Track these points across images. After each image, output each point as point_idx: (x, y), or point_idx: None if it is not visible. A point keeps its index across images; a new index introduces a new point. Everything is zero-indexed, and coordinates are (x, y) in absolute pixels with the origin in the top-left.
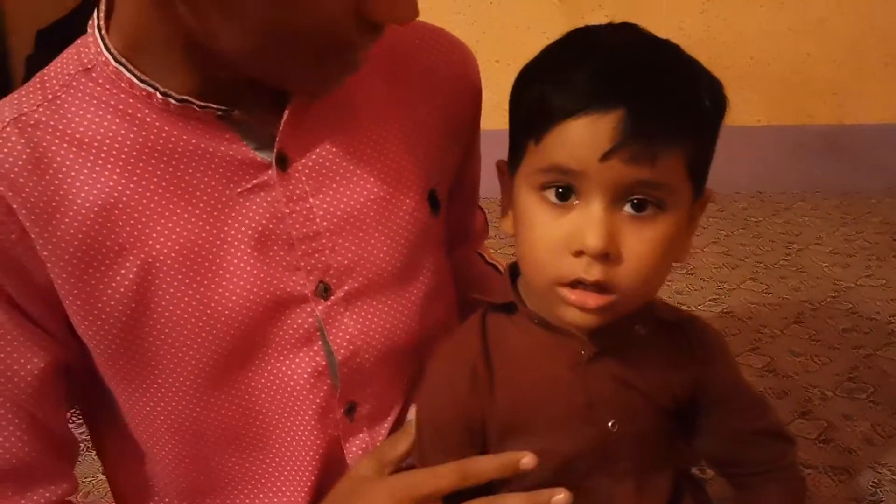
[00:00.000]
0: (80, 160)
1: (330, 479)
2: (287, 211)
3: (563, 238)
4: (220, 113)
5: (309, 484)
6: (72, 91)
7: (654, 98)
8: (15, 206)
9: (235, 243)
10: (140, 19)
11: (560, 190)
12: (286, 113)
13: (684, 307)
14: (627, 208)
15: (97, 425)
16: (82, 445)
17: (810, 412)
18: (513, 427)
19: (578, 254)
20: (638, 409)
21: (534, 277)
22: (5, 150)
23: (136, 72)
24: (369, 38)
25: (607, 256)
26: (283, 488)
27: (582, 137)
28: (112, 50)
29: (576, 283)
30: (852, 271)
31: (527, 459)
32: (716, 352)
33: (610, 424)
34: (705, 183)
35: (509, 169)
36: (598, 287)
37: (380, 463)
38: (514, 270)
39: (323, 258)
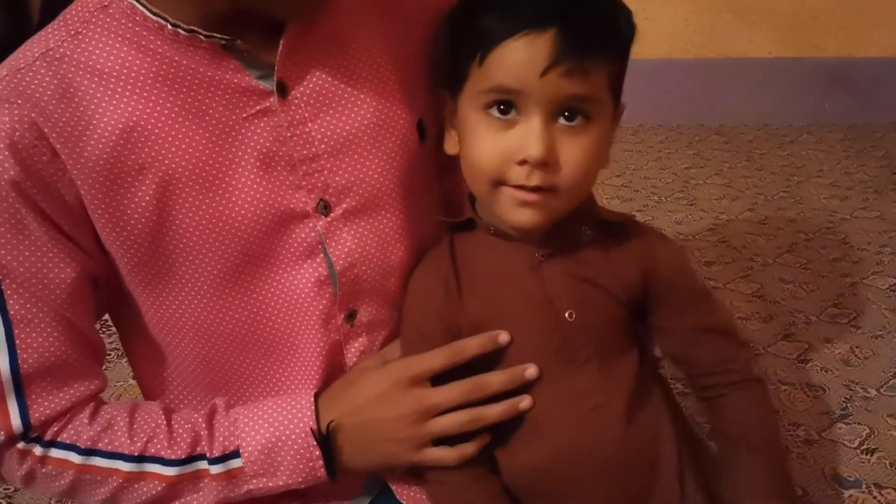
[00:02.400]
0: (102, 89)
1: (332, 379)
2: (288, 135)
3: (506, 150)
4: (223, 42)
5: (313, 383)
6: (91, 27)
7: (583, 19)
8: (46, 130)
9: (243, 163)
10: None
11: (502, 107)
12: (282, 43)
13: (682, 236)
14: (561, 121)
15: (126, 332)
16: (114, 353)
17: (793, 335)
18: (482, 326)
19: (522, 163)
20: (591, 299)
21: (480, 185)
22: (35, 81)
23: (147, 5)
24: None
25: (546, 165)
26: (290, 387)
27: (521, 56)
28: None
29: (517, 187)
30: (849, 203)
31: (503, 336)
32: (654, 245)
33: (567, 315)
34: (620, 96)
35: (450, 95)
36: (538, 190)
37: (382, 360)
38: (472, 200)
39: (322, 178)
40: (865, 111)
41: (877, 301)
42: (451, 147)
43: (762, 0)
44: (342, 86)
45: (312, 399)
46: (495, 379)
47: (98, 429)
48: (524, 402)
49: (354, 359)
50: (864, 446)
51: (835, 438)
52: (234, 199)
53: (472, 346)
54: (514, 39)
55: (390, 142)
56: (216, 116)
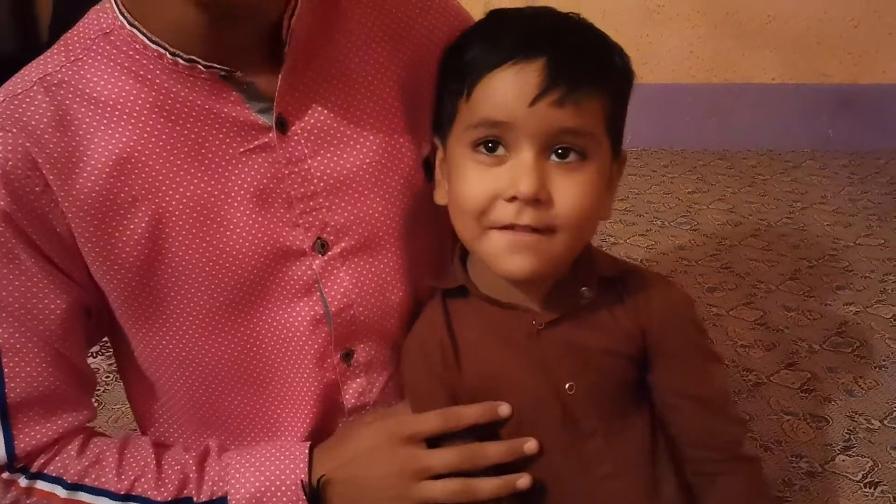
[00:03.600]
0: (98, 118)
1: (328, 420)
2: (286, 172)
3: (495, 187)
4: (223, 73)
5: (307, 423)
6: (92, 54)
7: (573, 49)
8: (40, 160)
9: (239, 199)
10: None
11: (490, 144)
12: (281, 76)
13: (685, 262)
14: (553, 158)
15: (120, 360)
16: (112, 375)
17: (796, 364)
18: (480, 395)
19: (512, 199)
20: (593, 367)
21: (467, 228)
22: (31, 109)
23: (147, 33)
24: None
25: (538, 201)
26: (283, 426)
27: (509, 87)
28: (126, 14)
29: (508, 228)
30: (853, 230)
31: (504, 409)
32: (655, 297)
33: (567, 387)
34: (621, 144)
35: (440, 138)
36: (531, 230)
37: (383, 415)
38: (463, 255)
39: (320, 216)
40: (870, 137)
41: (880, 330)
42: (440, 196)
43: (767, 25)
44: (345, 121)
45: (307, 451)
46: (493, 450)
47: (86, 463)
48: (521, 480)
49: (353, 400)
50: (868, 479)
51: (837, 471)
52: (228, 234)
53: (469, 414)
54: (502, 69)
55: (393, 180)
56: (213, 150)
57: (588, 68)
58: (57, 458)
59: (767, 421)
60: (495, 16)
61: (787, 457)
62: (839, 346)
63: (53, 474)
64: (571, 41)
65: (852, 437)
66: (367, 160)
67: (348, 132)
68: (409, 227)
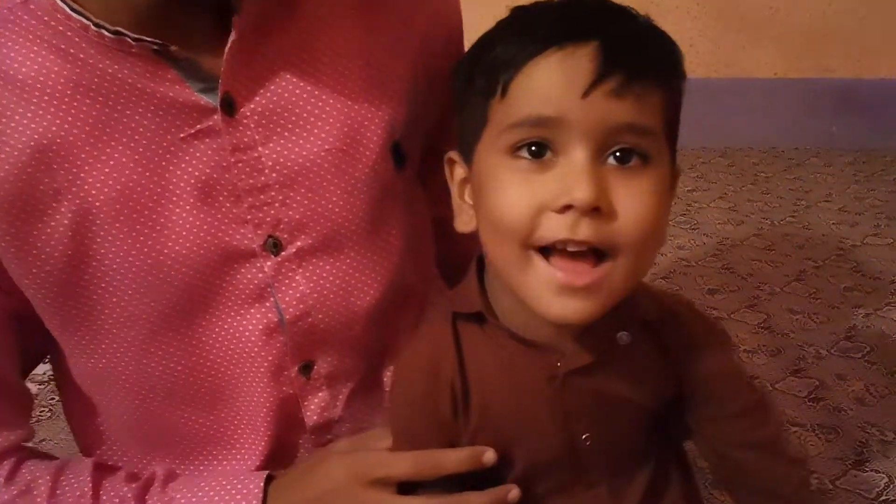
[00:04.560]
0: (15, 100)
1: (287, 438)
2: (233, 160)
3: (542, 198)
4: (155, 47)
5: (264, 442)
6: (9, 26)
7: (629, 31)
8: None
9: (178, 192)
10: None
11: (533, 147)
12: (227, 48)
13: (684, 262)
14: (610, 161)
15: (57, 376)
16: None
17: (803, 370)
18: (482, 437)
19: (564, 210)
20: (615, 417)
21: (506, 253)
22: None
23: (69, 1)
24: None
25: (598, 211)
26: (238, 446)
27: (556, 77)
28: None
29: (558, 250)
30: (860, 230)
31: (489, 455)
32: (697, 341)
33: (584, 437)
34: (676, 153)
35: (463, 154)
36: (589, 252)
37: (352, 447)
38: (481, 272)
39: (272, 212)
40: (876, 134)
41: (892, 334)
42: (463, 223)
43: (769, 19)
44: (302, 103)
45: (262, 485)
46: (474, 501)
47: (14, 492)
48: (512, 493)
49: (315, 416)
50: (883, 497)
51: (850, 487)
52: (166, 233)
53: (450, 461)
54: (546, 57)
55: (357, 170)
56: (147, 136)
57: (648, 53)
58: None
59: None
60: (521, 9)
61: None
62: (848, 352)
63: None
64: (624, 23)
65: (865, 450)
66: (328, 147)
67: (305, 115)
68: (377, 224)
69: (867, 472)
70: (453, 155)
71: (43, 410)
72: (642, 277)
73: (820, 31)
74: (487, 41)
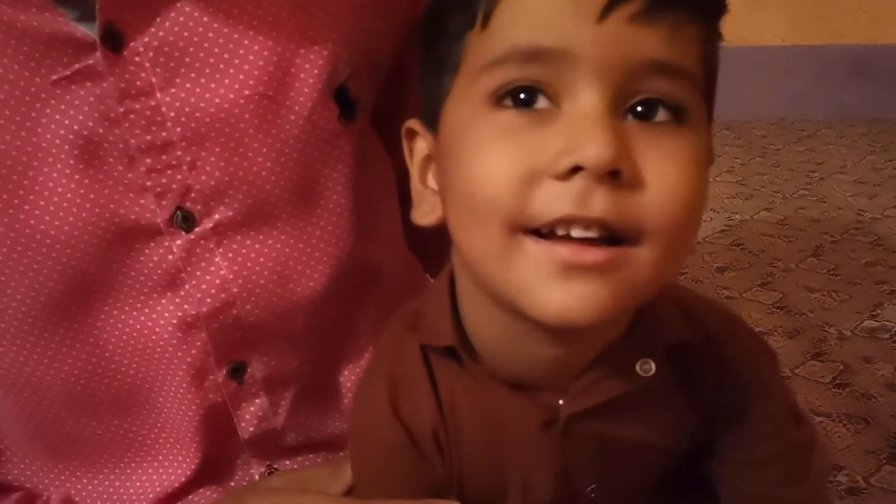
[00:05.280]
0: None
1: (222, 450)
2: (122, 111)
3: (536, 160)
4: None
5: (192, 454)
6: None
7: None
8: None
9: (53, 151)
10: None
11: (522, 95)
12: None
13: None
14: (630, 118)
15: None
16: None
17: (825, 353)
18: (469, 495)
19: (569, 175)
20: (627, 466)
21: (483, 237)
22: None
23: None
24: None
25: (617, 178)
26: (161, 458)
27: None
28: None
29: (559, 235)
30: (879, 201)
31: None
32: (741, 367)
33: (589, 490)
34: (712, 113)
35: (427, 120)
36: (602, 240)
37: (298, 485)
38: (454, 290)
39: (179, 177)
40: (890, 102)
41: None
42: (423, 214)
43: None
44: (212, 34)
45: None
46: None
47: None
48: None
49: (251, 427)
50: None
51: (886, 485)
52: (41, 203)
53: None
54: None
55: (287, 120)
56: (9, 79)
57: None
58: None
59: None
60: None
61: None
62: (874, 332)
63: None
64: None
65: None
66: (248, 92)
67: (217, 51)
68: (317, 189)
69: None
70: (413, 124)
71: None
72: (675, 273)
73: None
74: None
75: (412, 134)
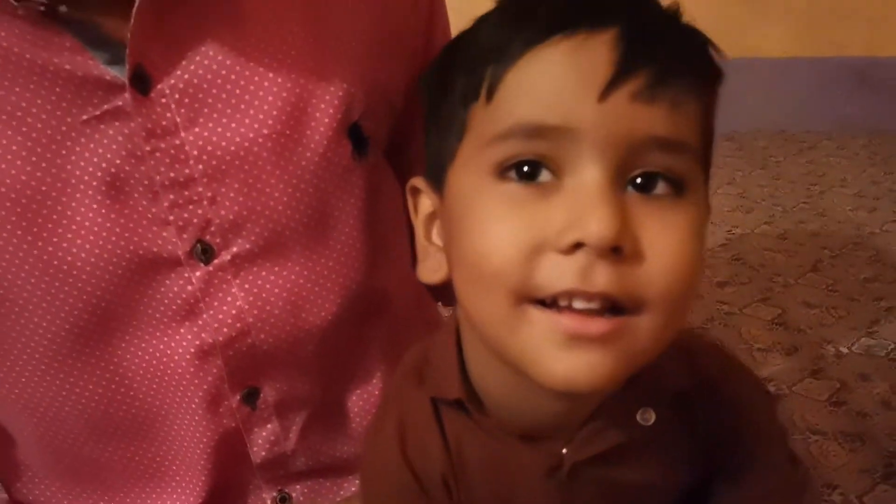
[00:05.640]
0: None
1: (233, 474)
2: (148, 149)
3: (541, 233)
4: (42, 8)
5: (204, 479)
6: None
7: (656, 15)
8: None
9: (81, 187)
10: None
11: (526, 168)
12: (136, 6)
13: None
14: (630, 190)
15: None
16: None
17: (822, 371)
18: None
19: (572, 249)
20: None
21: (488, 307)
22: None
23: None
24: None
25: (619, 254)
26: (174, 483)
27: (563, 72)
28: None
29: (562, 306)
30: (878, 215)
31: None
32: (738, 410)
33: None
34: (708, 179)
35: (432, 180)
36: (605, 304)
37: None
38: (460, 346)
39: (199, 211)
40: (892, 115)
41: None
42: (429, 271)
43: None
44: (233, 76)
45: None
46: None
47: None
48: None
49: (263, 451)
50: None
51: None
52: (69, 236)
53: None
54: (550, 45)
55: (303, 157)
56: (42, 119)
57: (684, 45)
58: None
59: (792, 442)
60: None
61: (816, 487)
62: (871, 349)
63: None
64: (650, 4)
65: (894, 461)
66: (266, 131)
67: (238, 92)
68: (330, 222)
69: None
70: (418, 182)
71: None
72: (670, 340)
73: (831, 6)
74: (470, 30)
75: (416, 191)
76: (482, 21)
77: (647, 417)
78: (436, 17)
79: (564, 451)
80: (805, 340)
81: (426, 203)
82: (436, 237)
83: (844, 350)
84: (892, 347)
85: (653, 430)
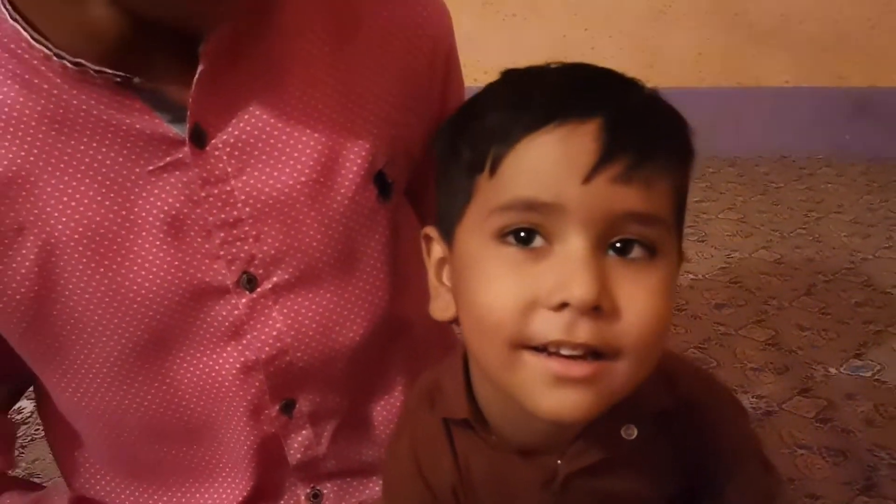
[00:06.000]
0: None
1: (272, 474)
2: (203, 195)
3: (534, 292)
4: (118, 80)
5: (247, 478)
6: None
7: (636, 106)
8: None
9: (147, 227)
10: None
11: (522, 234)
12: (196, 78)
13: (692, 276)
14: (610, 253)
15: (39, 401)
16: None
17: (810, 390)
18: None
19: (559, 308)
20: None
21: (489, 351)
22: None
23: (30, 30)
24: None
25: (598, 312)
26: (220, 480)
27: (554, 157)
28: (8, 5)
29: (551, 352)
30: (872, 242)
31: None
32: (715, 423)
33: None
34: (682, 236)
35: (442, 230)
36: (587, 351)
37: None
38: (468, 368)
39: (245, 247)
40: (889, 143)
41: None
42: (440, 310)
43: (780, 26)
44: (275, 132)
45: None
46: None
47: None
48: None
49: (298, 455)
50: None
51: None
52: (135, 269)
53: None
54: (543, 133)
55: (334, 201)
56: (115, 169)
57: (658, 131)
58: None
59: (779, 455)
60: (515, 73)
61: (800, 497)
62: (858, 370)
63: None
64: (630, 97)
65: (874, 474)
66: (303, 179)
67: (280, 146)
68: (357, 256)
69: (875, 497)
70: (430, 231)
71: (38, 429)
72: (643, 378)
73: (832, 38)
74: (475, 107)
75: (429, 238)
76: (485, 99)
77: (630, 433)
78: (451, 76)
79: (559, 462)
80: (796, 361)
81: (437, 249)
82: (446, 279)
83: (833, 371)
84: (878, 369)
85: (636, 445)
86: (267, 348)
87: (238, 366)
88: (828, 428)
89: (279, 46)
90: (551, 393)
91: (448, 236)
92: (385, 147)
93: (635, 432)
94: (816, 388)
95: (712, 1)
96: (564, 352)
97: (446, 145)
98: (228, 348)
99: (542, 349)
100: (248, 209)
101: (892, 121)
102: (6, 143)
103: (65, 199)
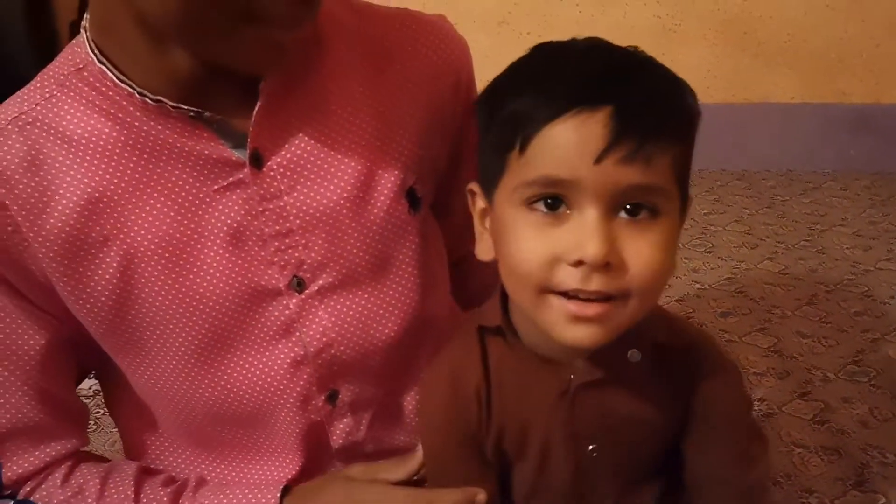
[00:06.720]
0: (70, 157)
1: (317, 457)
2: (261, 209)
3: (556, 249)
4: (192, 114)
5: (295, 461)
6: (65, 90)
7: (643, 93)
8: (8, 202)
9: (212, 238)
10: (95, 3)
11: (549, 201)
12: (256, 111)
13: (699, 285)
14: (622, 215)
15: (108, 385)
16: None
17: (809, 393)
18: (502, 444)
19: (577, 264)
20: (623, 433)
21: (523, 294)
22: (5, 148)
23: (115, 72)
24: (284, 11)
25: (608, 266)
26: (273, 460)
27: (571, 141)
28: (96, 50)
29: (571, 296)
30: (873, 254)
31: (480, 496)
32: (708, 373)
33: (590, 449)
34: (688, 187)
35: (484, 190)
36: (599, 297)
37: (369, 474)
38: (505, 294)
39: (296, 254)
40: (892, 158)
41: None
42: (484, 252)
43: (786, 43)
44: (322, 154)
45: (279, 496)
46: (446, 497)
47: (69, 493)
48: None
49: (340, 440)
50: None
51: None
52: (201, 274)
53: (444, 501)
54: (562, 121)
55: (372, 214)
56: (186, 188)
57: (659, 117)
58: (42, 487)
59: (778, 454)
60: (542, 53)
61: (796, 491)
62: (855, 376)
63: (38, 502)
64: (639, 84)
65: (865, 471)
66: (345, 195)
67: (325, 166)
68: (392, 262)
69: (867, 492)
70: (474, 187)
71: (89, 424)
72: (650, 308)
73: (836, 56)
74: (504, 88)
75: (473, 193)
76: (513, 82)
77: (634, 355)
78: (470, 100)
79: (572, 376)
80: (796, 366)
81: (480, 202)
82: (488, 224)
83: (831, 376)
84: (874, 374)
85: (639, 369)
86: (315, 342)
87: (289, 360)
88: (824, 429)
89: (324, 83)
90: (571, 327)
91: (489, 195)
92: (415, 166)
93: (639, 356)
94: (815, 391)
95: (721, 20)
96: (581, 296)
97: (483, 125)
98: (280, 345)
99: (563, 294)
100: (298, 221)
101: (894, 136)
102: (92, 168)
103: (143, 214)
